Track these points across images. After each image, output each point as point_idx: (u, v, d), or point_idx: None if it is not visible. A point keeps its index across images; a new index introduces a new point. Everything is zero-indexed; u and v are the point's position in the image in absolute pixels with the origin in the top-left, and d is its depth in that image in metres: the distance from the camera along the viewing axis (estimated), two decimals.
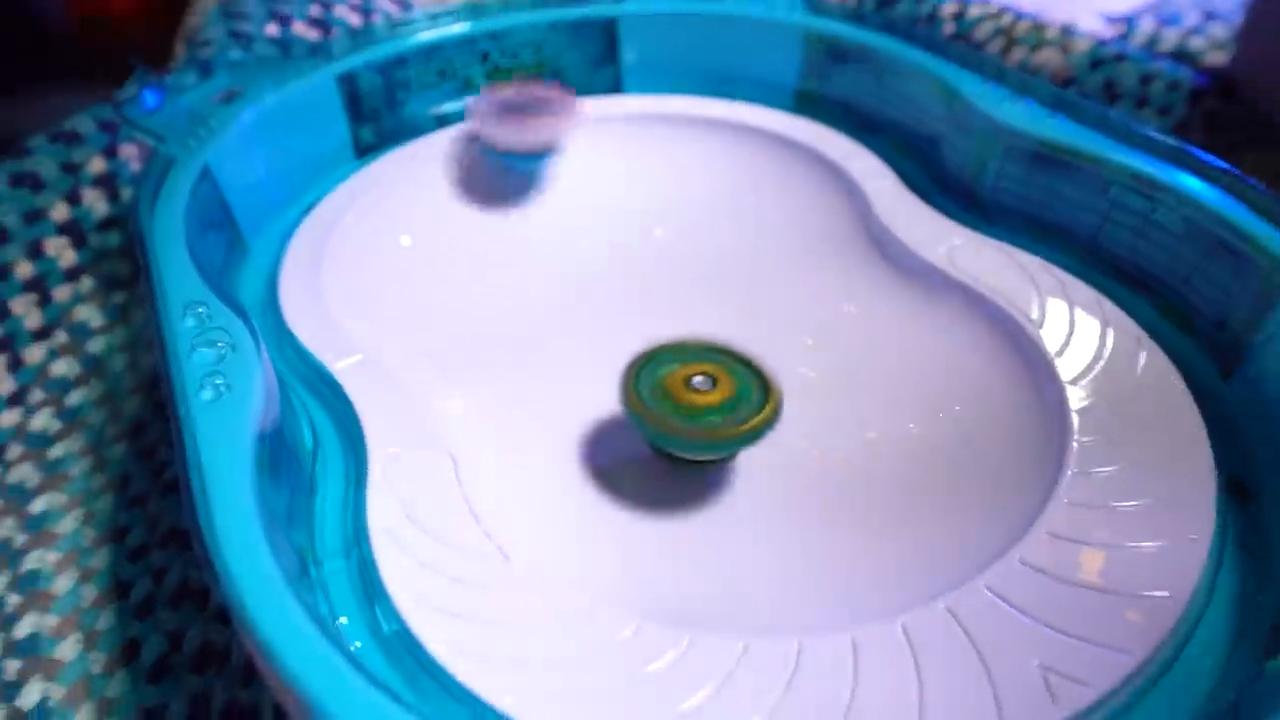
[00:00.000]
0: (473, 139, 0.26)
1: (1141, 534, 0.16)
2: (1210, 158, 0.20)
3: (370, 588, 0.16)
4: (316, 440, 0.19)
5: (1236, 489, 0.17)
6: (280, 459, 0.17)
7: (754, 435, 0.18)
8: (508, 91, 0.26)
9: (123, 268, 0.26)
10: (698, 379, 0.19)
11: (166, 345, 0.17)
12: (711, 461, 0.19)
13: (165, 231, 0.20)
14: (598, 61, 0.31)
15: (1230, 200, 0.19)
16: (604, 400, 0.21)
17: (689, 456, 0.19)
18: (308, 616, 0.12)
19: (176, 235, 0.20)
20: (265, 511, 0.14)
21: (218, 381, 0.16)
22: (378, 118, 0.29)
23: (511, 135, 0.25)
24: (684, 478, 0.19)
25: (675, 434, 0.18)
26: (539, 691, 0.14)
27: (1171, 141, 0.21)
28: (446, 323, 0.23)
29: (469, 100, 0.26)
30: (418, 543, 0.16)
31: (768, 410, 0.18)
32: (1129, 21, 0.35)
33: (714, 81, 0.30)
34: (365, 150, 0.28)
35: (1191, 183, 0.20)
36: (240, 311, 0.18)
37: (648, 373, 0.19)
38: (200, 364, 0.16)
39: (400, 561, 0.16)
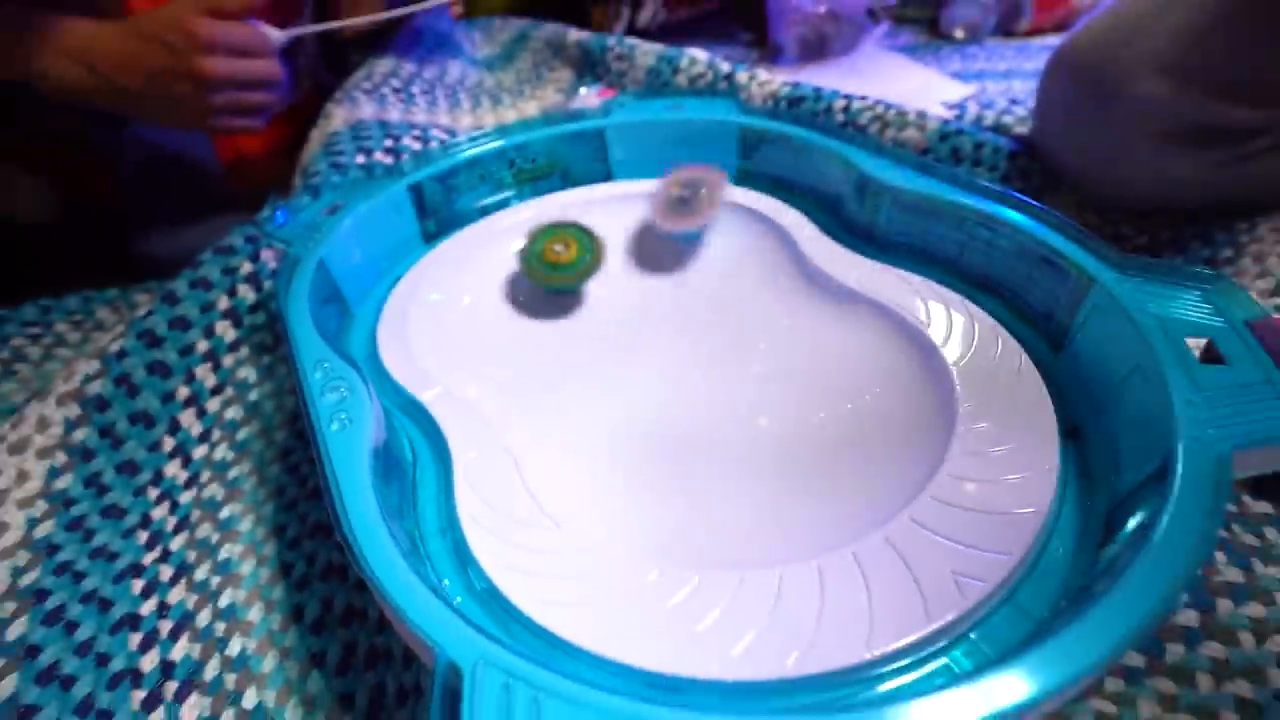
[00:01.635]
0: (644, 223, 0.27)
1: (1011, 470, 0.16)
2: (1028, 199, 0.20)
3: (463, 556, 0.15)
4: (414, 453, 0.18)
5: (1071, 433, 0.17)
6: (390, 469, 0.16)
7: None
8: (678, 178, 0.26)
9: (268, 338, 0.26)
10: (558, 246, 0.24)
11: (304, 392, 0.17)
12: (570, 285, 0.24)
13: (296, 309, 0.20)
14: (593, 159, 0.31)
15: (1045, 228, 0.19)
16: (621, 412, 0.21)
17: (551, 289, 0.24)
18: (419, 579, 0.12)
19: (303, 311, 0.20)
20: (383, 506, 0.14)
21: (342, 416, 0.16)
22: (438, 213, 0.29)
23: (679, 223, 0.25)
24: (685, 466, 0.19)
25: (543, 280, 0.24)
26: (593, 624, 0.14)
27: (998, 188, 0.21)
28: (502, 357, 0.23)
29: (652, 194, 0.26)
30: (493, 521, 0.16)
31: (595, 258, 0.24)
32: (960, 106, 0.36)
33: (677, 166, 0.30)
34: (430, 237, 0.28)
35: (1017, 217, 0.20)
36: (353, 364, 0.18)
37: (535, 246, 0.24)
38: (328, 404, 0.16)
39: (483, 536, 0.15)
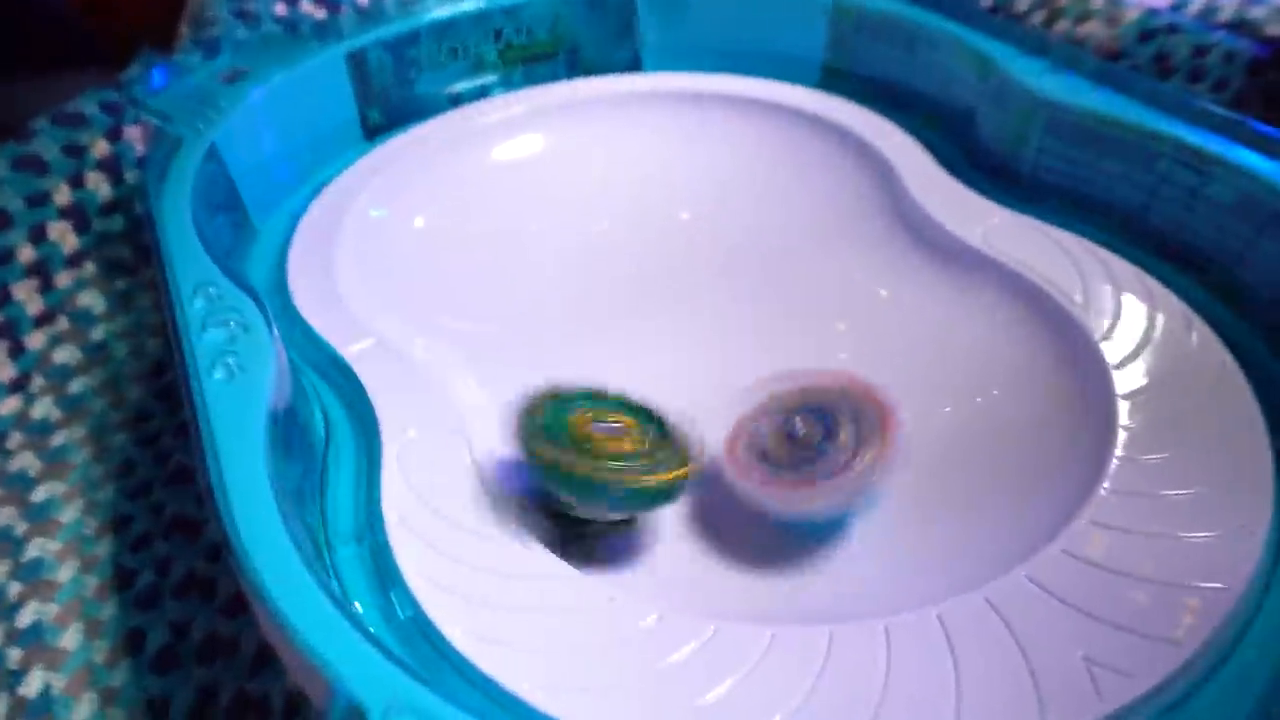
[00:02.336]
0: None
1: (1193, 524, 0.16)
2: (1267, 128, 0.20)
3: (385, 573, 0.16)
4: (328, 425, 0.19)
5: None
6: (293, 440, 0.17)
7: (667, 488, 0.16)
8: (795, 395, 0.18)
9: (126, 252, 0.27)
10: (610, 424, 0.17)
11: (178, 326, 0.17)
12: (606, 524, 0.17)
13: (173, 212, 0.20)
14: (615, 37, 0.31)
15: None
16: (620, 382, 0.21)
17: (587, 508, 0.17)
18: (324, 592, 0.13)
19: (184, 215, 0.20)
20: (280, 489, 0.15)
21: (229, 361, 0.16)
22: (387, 98, 0.29)
23: (796, 499, 0.17)
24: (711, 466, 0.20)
25: (579, 473, 0.16)
26: (558, 679, 0.14)
27: (1224, 113, 0.21)
28: (463, 307, 0.23)
29: (736, 425, 0.18)
30: (434, 528, 0.16)
31: (682, 469, 0.16)
32: None
33: (736, 58, 0.30)
34: (375, 131, 0.29)
35: (1246, 155, 0.20)
36: (251, 292, 0.18)
37: (552, 413, 0.17)
38: (211, 344, 0.17)
39: (416, 547, 0.16)
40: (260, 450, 0.15)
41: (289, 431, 0.17)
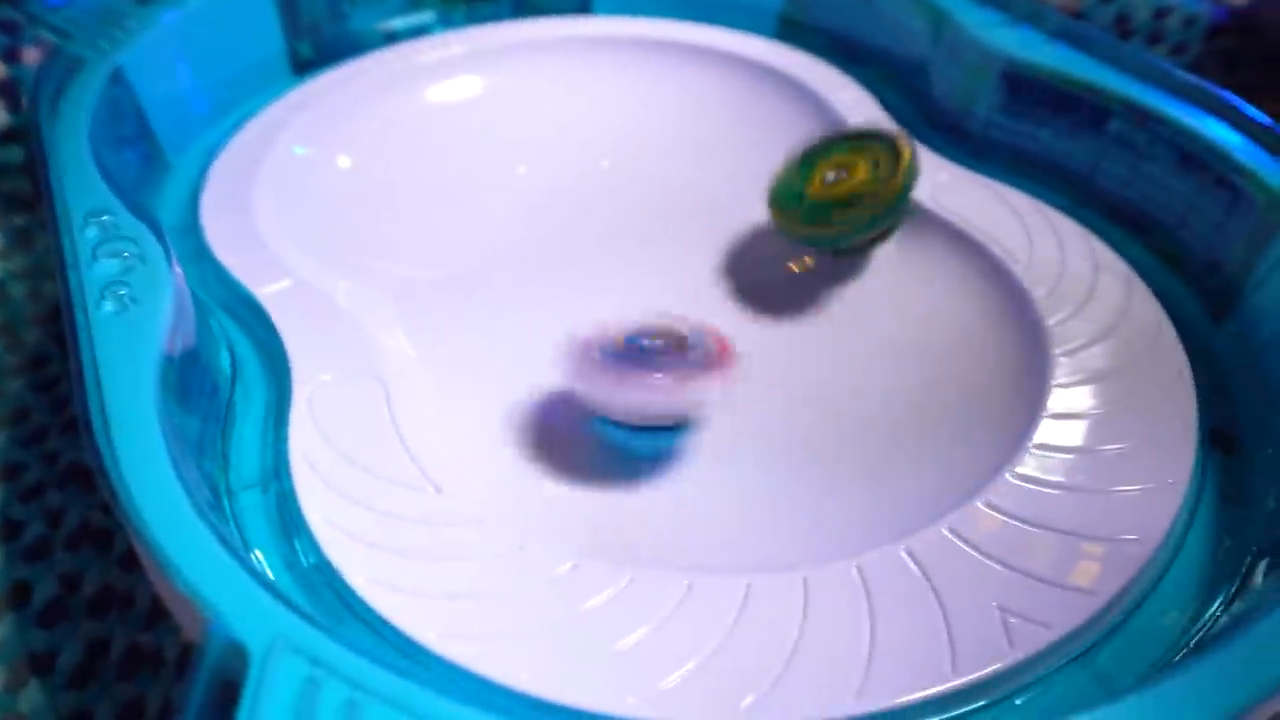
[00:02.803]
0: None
1: (1116, 479, 0.16)
2: (1216, 89, 0.20)
3: (289, 520, 0.16)
4: (236, 368, 0.19)
5: (1220, 440, 0.18)
6: (191, 384, 0.17)
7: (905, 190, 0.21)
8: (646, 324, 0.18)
9: (24, 186, 0.26)
10: (830, 175, 0.21)
11: (65, 254, 0.17)
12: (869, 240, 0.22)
13: (67, 134, 0.20)
14: None
15: (1236, 134, 0.20)
16: (551, 337, 0.21)
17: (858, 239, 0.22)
18: (209, 530, 0.12)
19: (79, 138, 0.19)
20: (171, 432, 0.14)
21: (121, 293, 0.16)
22: (318, 31, 0.28)
23: (624, 399, 0.18)
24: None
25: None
26: (467, 628, 0.14)
27: (1177, 72, 0.21)
28: (389, 251, 0.23)
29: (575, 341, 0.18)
30: (342, 474, 0.16)
31: (904, 164, 0.21)
32: None
33: (691, 5, 0.30)
34: (304, 66, 0.28)
35: (1194, 115, 0.20)
36: (150, 221, 0.18)
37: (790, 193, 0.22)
38: (102, 274, 0.16)
39: (322, 493, 0.16)
40: (150, 386, 0.15)
41: (188, 373, 0.16)
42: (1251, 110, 0.20)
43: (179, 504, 0.13)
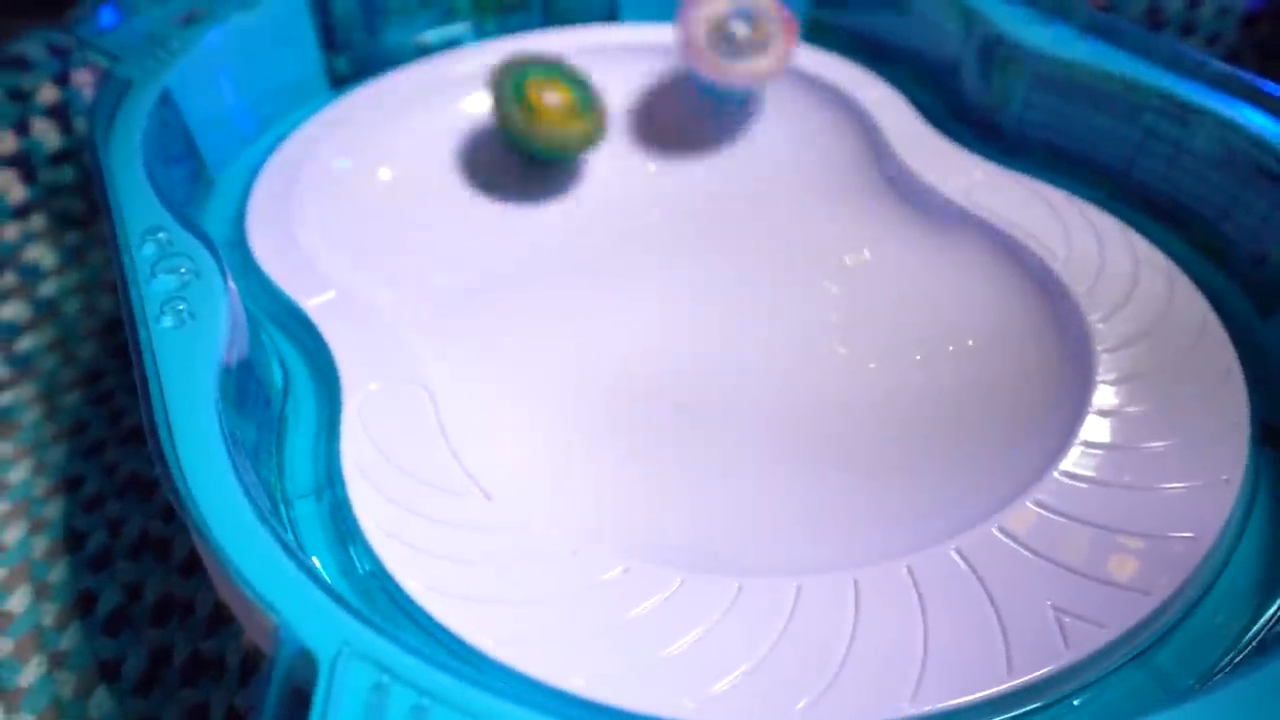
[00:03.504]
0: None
1: (1166, 476, 0.16)
2: (1255, 78, 0.20)
3: (344, 527, 0.16)
4: (287, 379, 0.19)
5: (1271, 434, 0.17)
6: (247, 393, 0.17)
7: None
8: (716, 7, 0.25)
9: (77, 205, 0.26)
10: (548, 95, 0.24)
11: (126, 272, 0.17)
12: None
13: (122, 154, 0.20)
14: None
15: (1274, 122, 0.19)
16: (595, 342, 0.21)
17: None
18: (275, 539, 0.12)
19: (134, 158, 0.20)
20: (232, 440, 0.14)
21: (180, 308, 0.16)
22: (352, 46, 0.29)
23: (732, 71, 0.25)
24: (685, 432, 0.20)
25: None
26: (521, 632, 0.14)
27: (1217, 64, 0.21)
28: (428, 260, 0.23)
29: (682, 30, 0.25)
30: (393, 482, 0.16)
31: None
32: None
33: None
34: (340, 81, 0.28)
35: (1234, 106, 0.20)
36: (204, 238, 0.18)
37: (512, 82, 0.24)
38: (161, 290, 0.16)
39: (375, 500, 0.16)
40: (211, 398, 0.15)
41: (244, 383, 0.17)
42: None
43: (244, 512, 0.13)
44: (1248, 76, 0.20)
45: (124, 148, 0.20)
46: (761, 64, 0.25)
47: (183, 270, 0.17)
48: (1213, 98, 0.20)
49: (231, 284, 0.17)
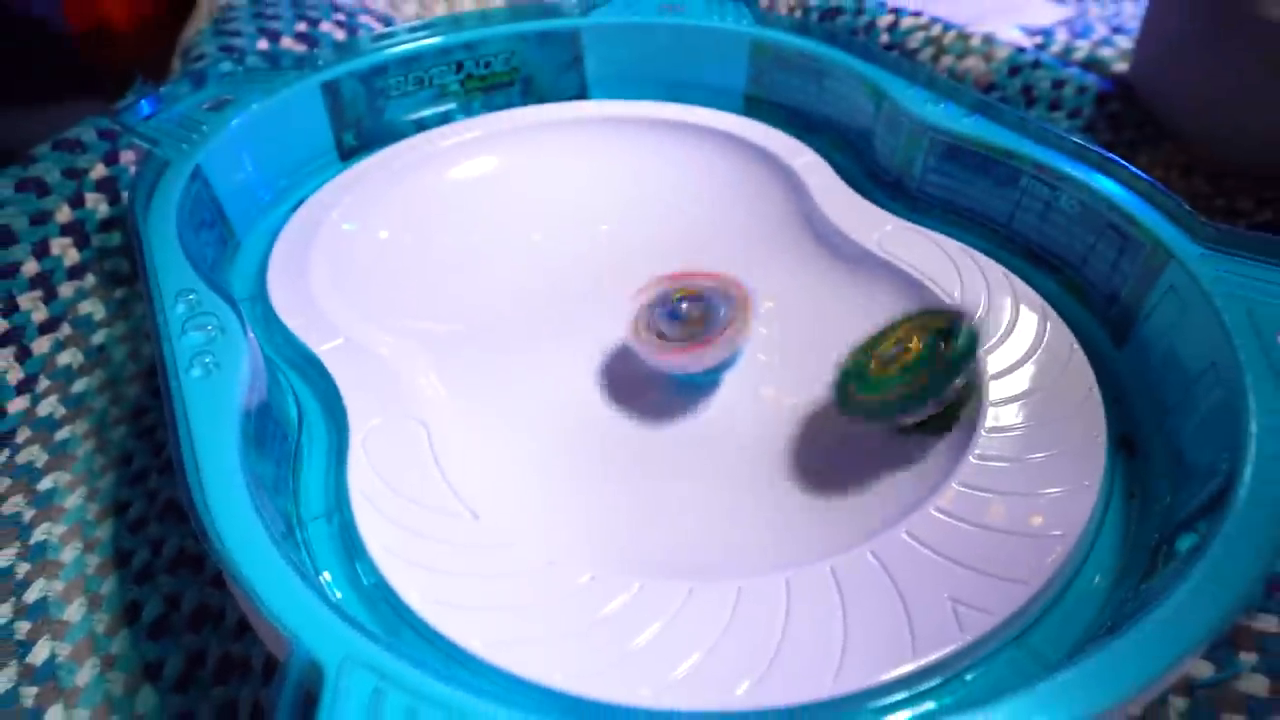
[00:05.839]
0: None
1: (1041, 483, 0.16)
2: (1105, 152, 0.20)
3: (351, 546, 0.16)
4: (301, 415, 0.19)
5: (1124, 444, 0.18)
6: (266, 433, 0.17)
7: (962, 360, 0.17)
8: (681, 285, 0.20)
9: (123, 265, 0.26)
10: (891, 350, 0.18)
11: (160, 329, 0.17)
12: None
13: (158, 225, 0.20)
14: (564, 68, 0.31)
15: (1120, 188, 0.20)
16: (564, 383, 0.21)
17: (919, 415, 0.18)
18: (286, 561, 0.12)
19: (169, 229, 0.20)
20: (251, 477, 0.14)
21: (206, 360, 0.16)
22: (360, 123, 0.29)
23: (682, 357, 0.20)
24: (641, 454, 0.20)
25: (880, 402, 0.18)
26: (505, 635, 0.14)
27: (1071, 137, 0.21)
28: (424, 309, 0.23)
29: (635, 309, 0.21)
30: (393, 505, 0.16)
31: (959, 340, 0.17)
32: (1046, 33, 0.36)
33: (671, 87, 0.30)
34: (349, 153, 0.28)
35: (1088, 174, 0.21)
36: (228, 298, 0.18)
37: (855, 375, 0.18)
38: (190, 345, 0.16)
39: (377, 522, 0.16)
40: (234, 439, 0.15)
41: (263, 424, 0.16)
42: (1133, 168, 0.20)
43: (259, 540, 0.13)
44: (1100, 150, 0.21)
45: (160, 219, 0.20)
46: (710, 352, 0.19)
47: (209, 327, 0.17)
48: (1074, 166, 0.21)
49: (252, 337, 0.17)
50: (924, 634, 0.14)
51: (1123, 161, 0.20)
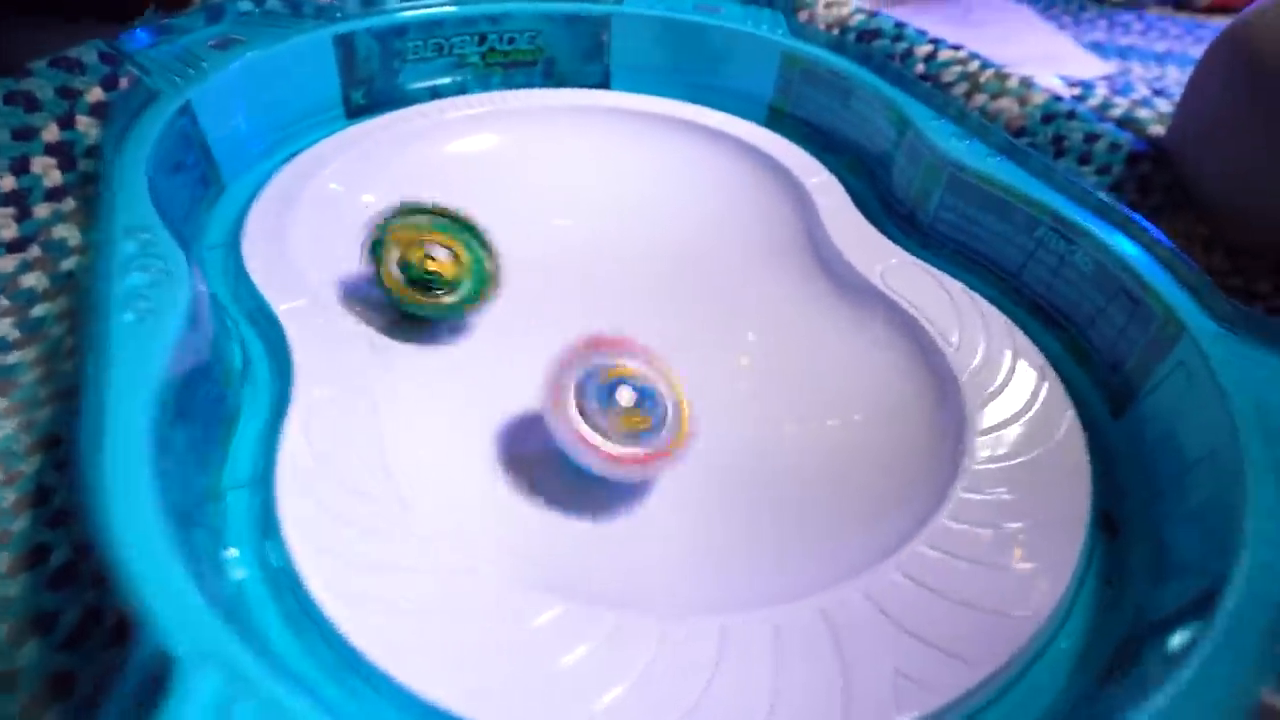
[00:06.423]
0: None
1: (1014, 555, 0.15)
2: (1129, 211, 0.19)
3: (266, 521, 0.14)
4: (246, 374, 0.17)
5: (1107, 523, 0.16)
6: (197, 391, 0.15)
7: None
8: (595, 366, 0.16)
9: (73, 236, 0.25)
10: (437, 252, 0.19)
11: (100, 263, 0.15)
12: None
13: (129, 156, 0.19)
14: (589, 55, 0.30)
15: (1140, 251, 0.18)
16: (529, 381, 0.20)
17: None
18: (166, 540, 0.11)
19: (139, 161, 0.18)
20: (158, 436, 0.13)
21: (142, 305, 0.15)
22: (371, 82, 0.27)
23: (617, 463, 0.16)
24: None
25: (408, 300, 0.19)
26: (401, 639, 0.13)
27: (1096, 193, 0.20)
28: None
29: (554, 378, 0.17)
30: (320, 482, 0.15)
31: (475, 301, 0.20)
32: (1086, 86, 0.34)
33: (695, 89, 0.29)
34: (356, 111, 0.27)
35: (1109, 232, 0.19)
36: (185, 244, 0.16)
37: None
38: (129, 286, 0.15)
39: (298, 498, 0.14)
40: (149, 393, 0.13)
41: (195, 383, 0.15)
42: (1157, 233, 0.18)
43: (140, 506, 0.12)
44: (1124, 209, 0.19)
45: (133, 150, 0.19)
46: (653, 460, 0.16)
47: (155, 270, 0.16)
48: (1094, 222, 0.19)
49: (202, 290, 0.16)
50: (859, 705, 0.12)
51: (1146, 224, 0.18)
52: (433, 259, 0.19)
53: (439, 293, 0.19)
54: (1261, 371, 0.16)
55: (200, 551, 0.12)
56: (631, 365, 0.17)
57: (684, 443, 0.16)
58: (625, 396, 0.16)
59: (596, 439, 0.16)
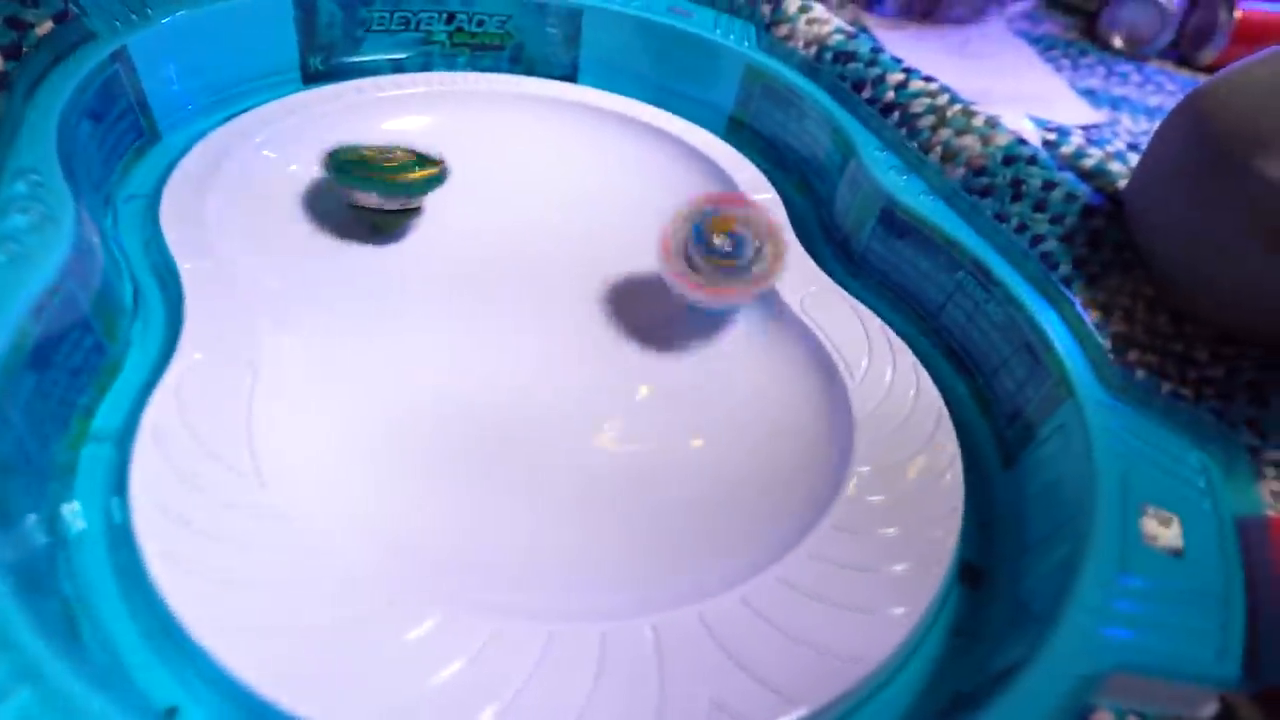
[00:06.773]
0: None
1: (862, 598, 0.15)
2: (1048, 271, 0.19)
3: (121, 477, 0.14)
4: (136, 316, 0.17)
5: (969, 574, 0.16)
6: (65, 339, 0.15)
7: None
8: (719, 218, 0.20)
9: None
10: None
11: None
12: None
13: (44, 96, 0.18)
14: (558, 46, 0.29)
15: (1050, 311, 0.18)
16: (426, 368, 0.19)
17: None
18: None
19: (54, 103, 0.18)
20: (9, 389, 0.13)
21: (13, 247, 0.15)
22: (332, 49, 0.27)
23: (720, 294, 0.20)
24: (485, 466, 0.18)
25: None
26: (228, 615, 0.13)
27: (1019, 241, 0.20)
28: (311, 255, 0.21)
29: (665, 234, 0.20)
30: (179, 446, 0.15)
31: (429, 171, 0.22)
32: (1062, 132, 0.34)
33: (660, 91, 0.29)
34: (313, 77, 0.27)
35: (1022, 287, 0.19)
36: (79, 194, 0.16)
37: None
38: (8, 228, 0.15)
39: (154, 459, 0.14)
40: (8, 339, 0.13)
41: (63, 330, 0.15)
42: (1069, 293, 0.18)
43: None
44: (1047, 274, 0.19)
45: (50, 90, 0.19)
46: (746, 288, 0.20)
47: (36, 214, 0.15)
48: (1011, 275, 0.19)
49: (91, 240, 0.16)
50: None
51: (1062, 286, 0.18)
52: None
53: (398, 172, 0.21)
54: (1136, 443, 0.15)
55: (12, 505, 0.11)
56: (733, 214, 0.20)
57: (768, 280, 0.20)
58: (720, 242, 0.20)
59: (693, 278, 0.20)
